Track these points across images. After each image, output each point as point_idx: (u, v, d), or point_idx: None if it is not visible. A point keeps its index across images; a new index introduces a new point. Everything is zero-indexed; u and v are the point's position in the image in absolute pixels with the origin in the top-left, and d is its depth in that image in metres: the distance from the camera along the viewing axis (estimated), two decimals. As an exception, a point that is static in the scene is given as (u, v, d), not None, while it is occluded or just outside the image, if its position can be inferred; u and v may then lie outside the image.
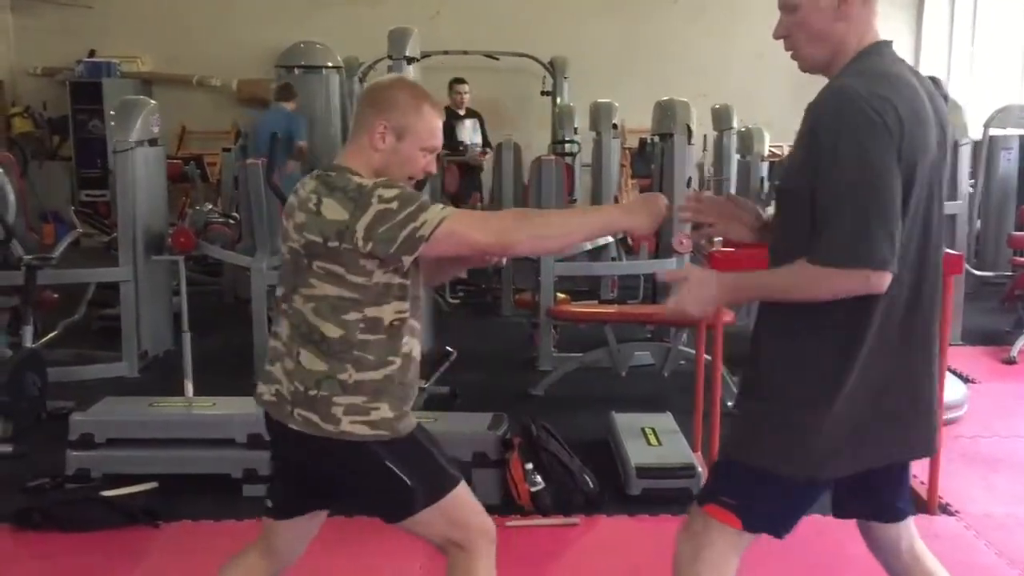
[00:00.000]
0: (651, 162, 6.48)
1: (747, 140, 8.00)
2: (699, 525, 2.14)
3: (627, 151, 9.33)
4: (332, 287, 2.17)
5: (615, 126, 8.38)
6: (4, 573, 3.43)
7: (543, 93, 10.30)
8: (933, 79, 2.39)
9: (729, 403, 4.20)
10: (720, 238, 2.45)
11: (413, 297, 2.26)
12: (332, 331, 2.18)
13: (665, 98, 6.29)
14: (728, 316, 4.68)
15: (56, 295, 6.07)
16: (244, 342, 5.67)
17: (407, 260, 2.14)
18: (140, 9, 10.59)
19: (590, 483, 3.90)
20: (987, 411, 5.11)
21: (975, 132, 7.89)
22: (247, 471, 3.88)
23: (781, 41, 2.11)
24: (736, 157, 8.29)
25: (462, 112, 9.03)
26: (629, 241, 6.93)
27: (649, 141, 6.67)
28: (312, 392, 2.19)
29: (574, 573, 3.53)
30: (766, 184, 7.71)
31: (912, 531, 2.28)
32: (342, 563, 3.41)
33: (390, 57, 5.68)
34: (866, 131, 1.89)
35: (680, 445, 4.23)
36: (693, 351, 4.84)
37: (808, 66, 2.11)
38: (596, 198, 8.38)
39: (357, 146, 2.28)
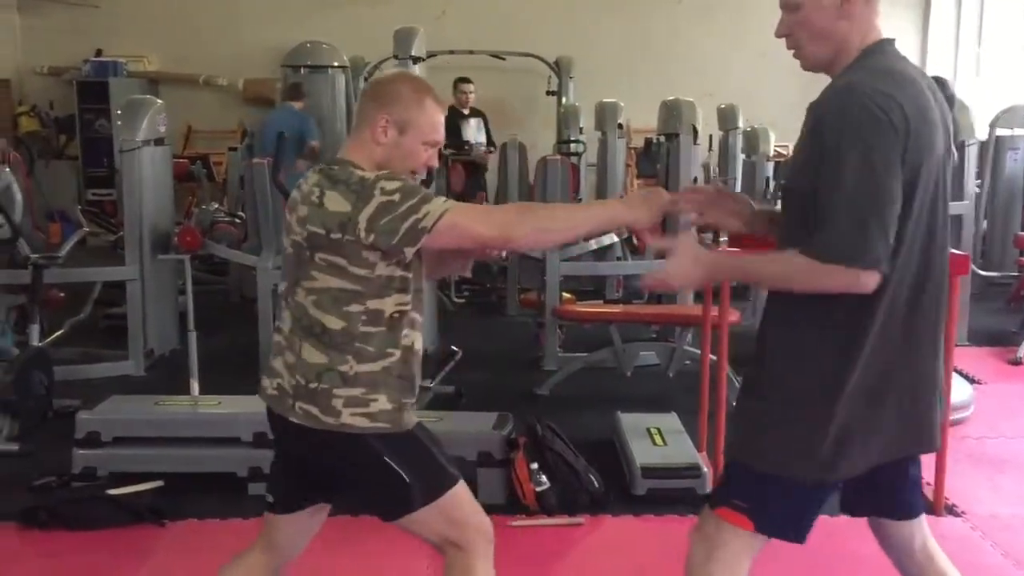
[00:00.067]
0: (657, 162, 6.49)
1: (752, 140, 7.99)
2: (711, 527, 2.13)
3: (632, 151, 9.31)
4: (334, 279, 2.18)
5: (620, 126, 8.35)
6: (11, 571, 3.44)
7: (548, 93, 10.27)
8: (939, 79, 2.39)
9: (735, 403, 4.19)
10: (725, 237, 2.45)
11: (415, 290, 2.26)
12: (334, 323, 2.19)
13: (671, 98, 6.29)
14: (734, 316, 4.68)
15: (63, 294, 6.10)
16: (250, 341, 5.68)
17: (409, 252, 2.14)
18: (147, 9, 10.60)
19: (595, 483, 3.90)
20: (993, 412, 5.09)
21: (981, 132, 7.89)
22: (253, 469, 3.88)
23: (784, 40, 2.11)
24: (742, 157, 8.27)
25: (466, 111, 9.03)
26: (634, 241, 6.92)
27: (655, 141, 6.68)
28: (313, 385, 2.20)
29: (579, 573, 3.52)
30: (771, 184, 7.70)
31: (925, 530, 2.27)
32: (349, 563, 3.41)
33: (396, 57, 5.69)
34: (871, 129, 1.88)
35: (685, 445, 4.23)
36: (698, 351, 4.84)
37: (810, 65, 2.10)
38: (601, 198, 8.32)
39: (359, 140, 2.28)
